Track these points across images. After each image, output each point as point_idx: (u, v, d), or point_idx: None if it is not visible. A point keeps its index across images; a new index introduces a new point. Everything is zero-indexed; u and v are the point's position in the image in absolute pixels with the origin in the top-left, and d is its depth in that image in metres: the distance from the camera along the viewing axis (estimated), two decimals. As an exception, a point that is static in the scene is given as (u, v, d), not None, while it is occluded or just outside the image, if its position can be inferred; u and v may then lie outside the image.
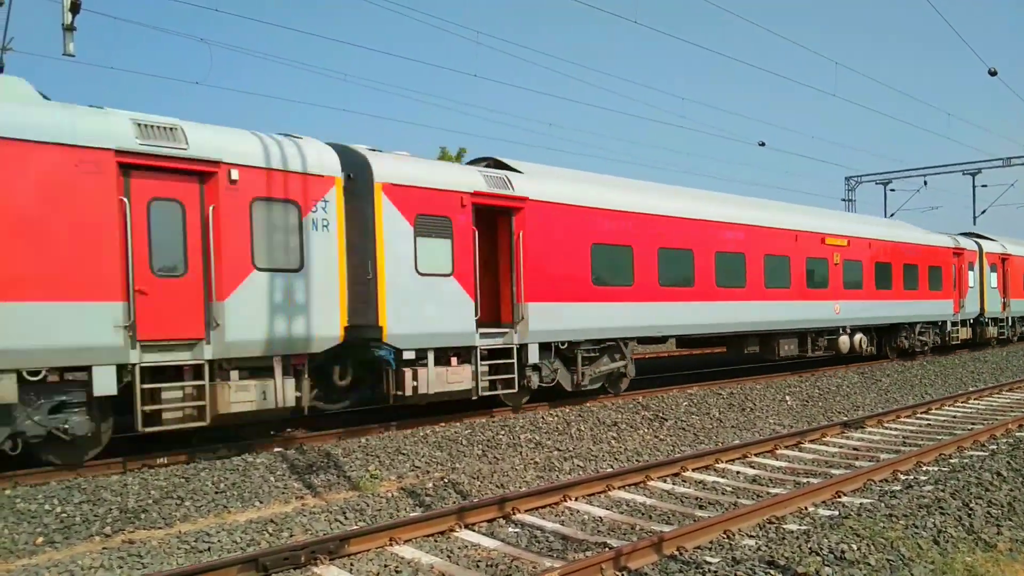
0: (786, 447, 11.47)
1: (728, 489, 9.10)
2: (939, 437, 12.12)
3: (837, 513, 7.50)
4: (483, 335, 12.35)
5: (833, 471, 9.86)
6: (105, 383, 8.68)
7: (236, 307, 9.64)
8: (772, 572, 5.71)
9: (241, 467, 9.33)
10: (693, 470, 9.91)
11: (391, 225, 11.20)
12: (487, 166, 13.79)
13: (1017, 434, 11.90)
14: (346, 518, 7.83)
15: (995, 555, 6.43)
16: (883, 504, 7.59)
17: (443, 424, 12.18)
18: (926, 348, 24.58)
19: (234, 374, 9.71)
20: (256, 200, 9.92)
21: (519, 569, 6.40)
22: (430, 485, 9.12)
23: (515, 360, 12.69)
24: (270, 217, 9.99)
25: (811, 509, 7.89)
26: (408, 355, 11.32)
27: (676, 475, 9.70)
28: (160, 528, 7.65)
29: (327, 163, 10.69)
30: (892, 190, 41.37)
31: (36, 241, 8.28)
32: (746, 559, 6.04)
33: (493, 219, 13.16)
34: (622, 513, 8.08)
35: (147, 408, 8.99)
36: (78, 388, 8.74)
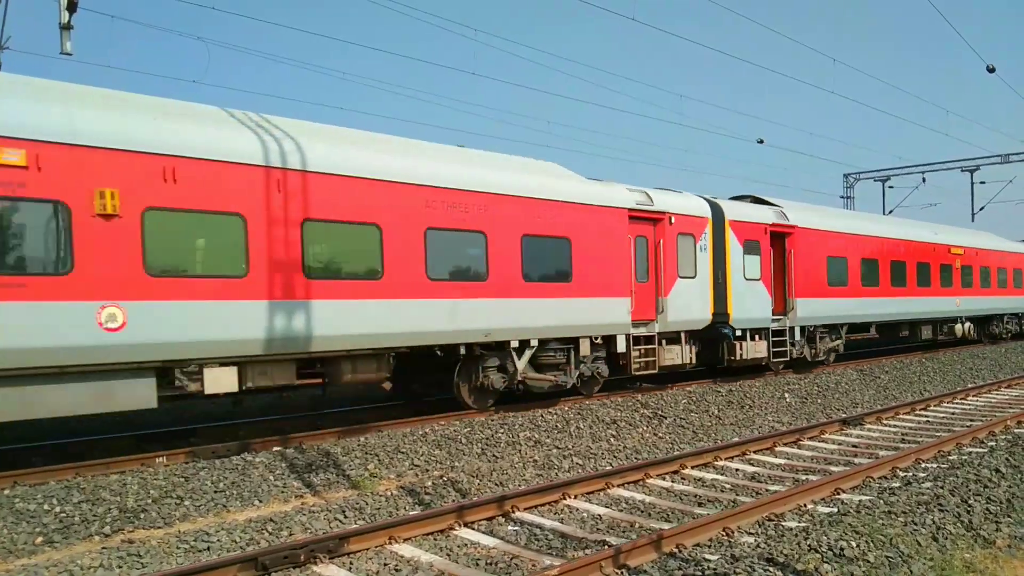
0: (785, 444, 11.48)
1: (727, 487, 9.10)
2: (938, 434, 12.13)
3: (836, 510, 7.50)
4: (772, 320, 18.26)
5: (832, 468, 9.87)
6: (621, 345, 14.51)
7: (671, 300, 15.44)
8: (771, 569, 5.72)
9: (240, 466, 9.32)
10: (692, 468, 9.92)
11: (733, 247, 17.10)
12: (751, 202, 19.36)
13: (1016, 430, 11.91)
14: (345, 517, 7.83)
15: (994, 552, 6.44)
16: (882, 501, 7.59)
17: (442, 422, 12.18)
18: (1009, 334, 30.35)
19: (663, 342, 15.42)
20: (679, 234, 15.74)
21: (518, 567, 6.41)
22: (429, 483, 9.12)
23: (787, 338, 18.58)
24: (683, 245, 15.86)
25: (810, 506, 7.90)
26: (738, 333, 17.22)
27: (675, 473, 9.71)
28: (159, 527, 7.65)
29: (704, 209, 16.49)
30: (891, 187, 41.33)
31: (604, 262, 14.05)
32: (745, 556, 6.04)
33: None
34: (621, 511, 8.09)
35: (633, 362, 14.79)
36: (601, 347, 14.36)
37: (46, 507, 7.72)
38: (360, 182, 10.69)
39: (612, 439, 11.98)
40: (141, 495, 8.23)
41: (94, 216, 8.38)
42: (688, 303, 15.73)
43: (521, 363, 12.98)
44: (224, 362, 9.49)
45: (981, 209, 39.10)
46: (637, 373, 14.82)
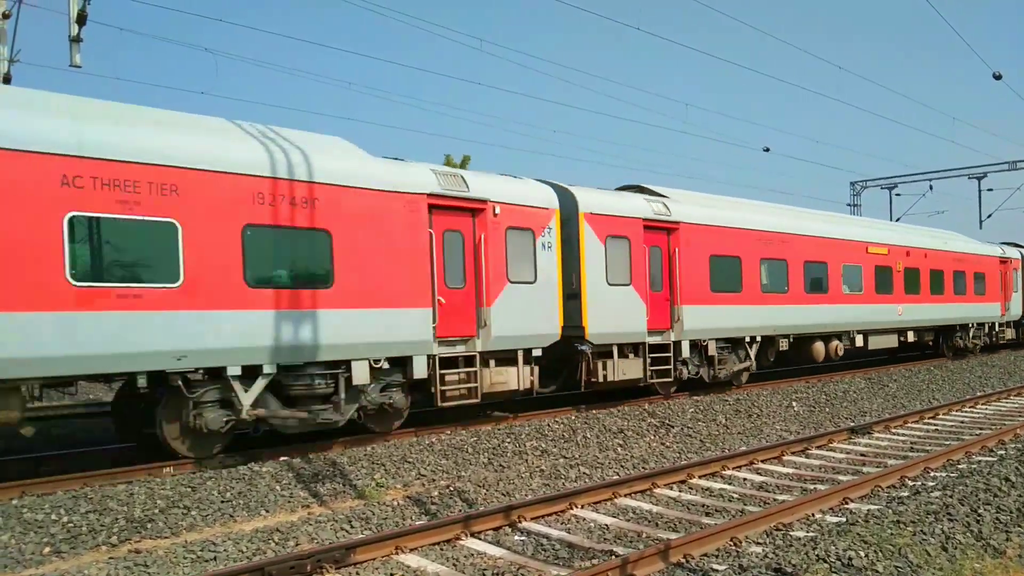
0: (793, 453, 11.42)
1: (735, 496, 9.07)
2: (947, 442, 12.06)
3: (844, 520, 7.46)
4: None
5: (840, 477, 9.82)
6: (996, 327, 29.36)
7: (1010, 305, 29.80)
8: (779, 579, 5.69)
9: (247, 476, 9.34)
10: (699, 477, 9.88)
11: None
12: (1011, 246, 31.61)
13: (1026, 439, 11.83)
14: (352, 527, 7.83)
15: (1004, 562, 6.39)
16: (891, 510, 7.55)
17: (448, 432, 12.18)
18: None
19: (1004, 327, 29.89)
20: (1012, 269, 30.03)
21: (525, 577, 6.39)
22: (436, 493, 9.11)
23: None
24: (1015, 275, 30.18)
25: (818, 516, 7.86)
26: None
27: (682, 482, 9.67)
28: (166, 537, 7.66)
29: (1018, 253, 30.98)
30: (898, 194, 41.32)
31: (992, 284, 28.47)
32: (753, 566, 6.02)
33: None
34: (628, 520, 8.06)
35: (997, 336, 29.73)
36: (982, 328, 28.51)
37: (53, 517, 7.75)
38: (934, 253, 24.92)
39: (619, 448, 11.95)
40: (148, 505, 8.25)
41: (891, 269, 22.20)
42: (1014, 306, 29.97)
43: (956, 336, 26.56)
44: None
45: (989, 216, 39.05)
46: (999, 342, 28.78)
